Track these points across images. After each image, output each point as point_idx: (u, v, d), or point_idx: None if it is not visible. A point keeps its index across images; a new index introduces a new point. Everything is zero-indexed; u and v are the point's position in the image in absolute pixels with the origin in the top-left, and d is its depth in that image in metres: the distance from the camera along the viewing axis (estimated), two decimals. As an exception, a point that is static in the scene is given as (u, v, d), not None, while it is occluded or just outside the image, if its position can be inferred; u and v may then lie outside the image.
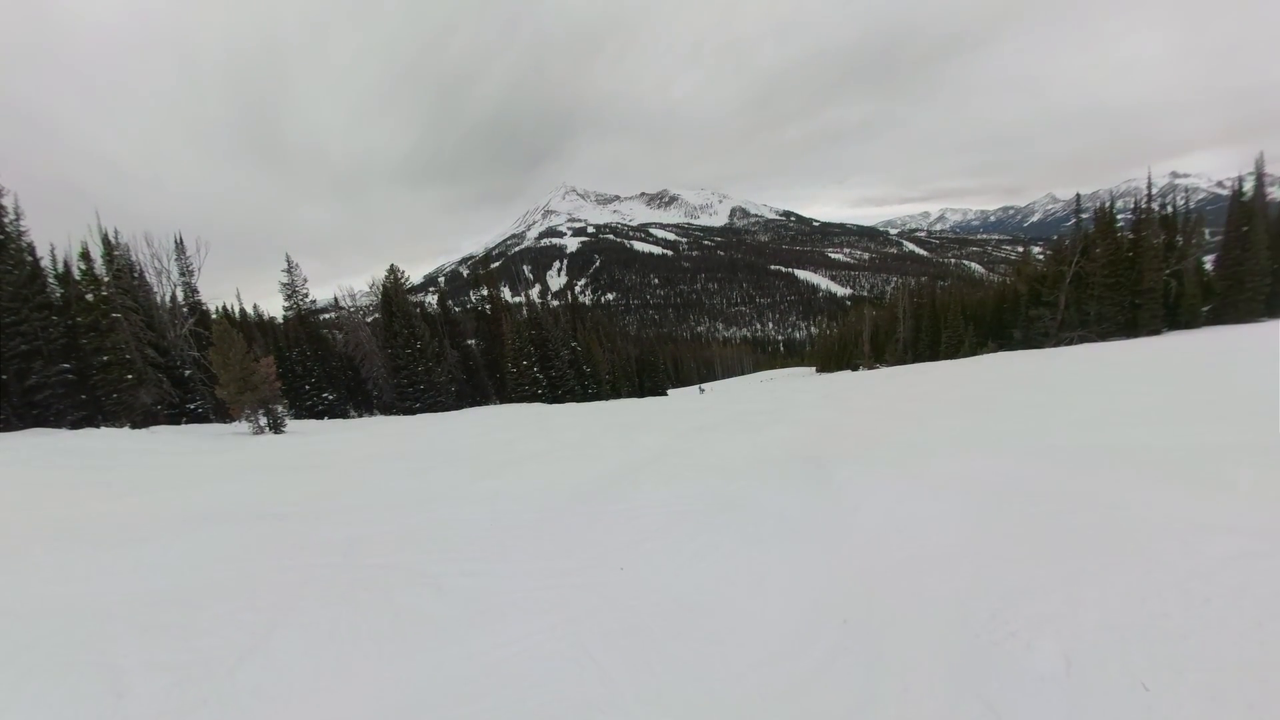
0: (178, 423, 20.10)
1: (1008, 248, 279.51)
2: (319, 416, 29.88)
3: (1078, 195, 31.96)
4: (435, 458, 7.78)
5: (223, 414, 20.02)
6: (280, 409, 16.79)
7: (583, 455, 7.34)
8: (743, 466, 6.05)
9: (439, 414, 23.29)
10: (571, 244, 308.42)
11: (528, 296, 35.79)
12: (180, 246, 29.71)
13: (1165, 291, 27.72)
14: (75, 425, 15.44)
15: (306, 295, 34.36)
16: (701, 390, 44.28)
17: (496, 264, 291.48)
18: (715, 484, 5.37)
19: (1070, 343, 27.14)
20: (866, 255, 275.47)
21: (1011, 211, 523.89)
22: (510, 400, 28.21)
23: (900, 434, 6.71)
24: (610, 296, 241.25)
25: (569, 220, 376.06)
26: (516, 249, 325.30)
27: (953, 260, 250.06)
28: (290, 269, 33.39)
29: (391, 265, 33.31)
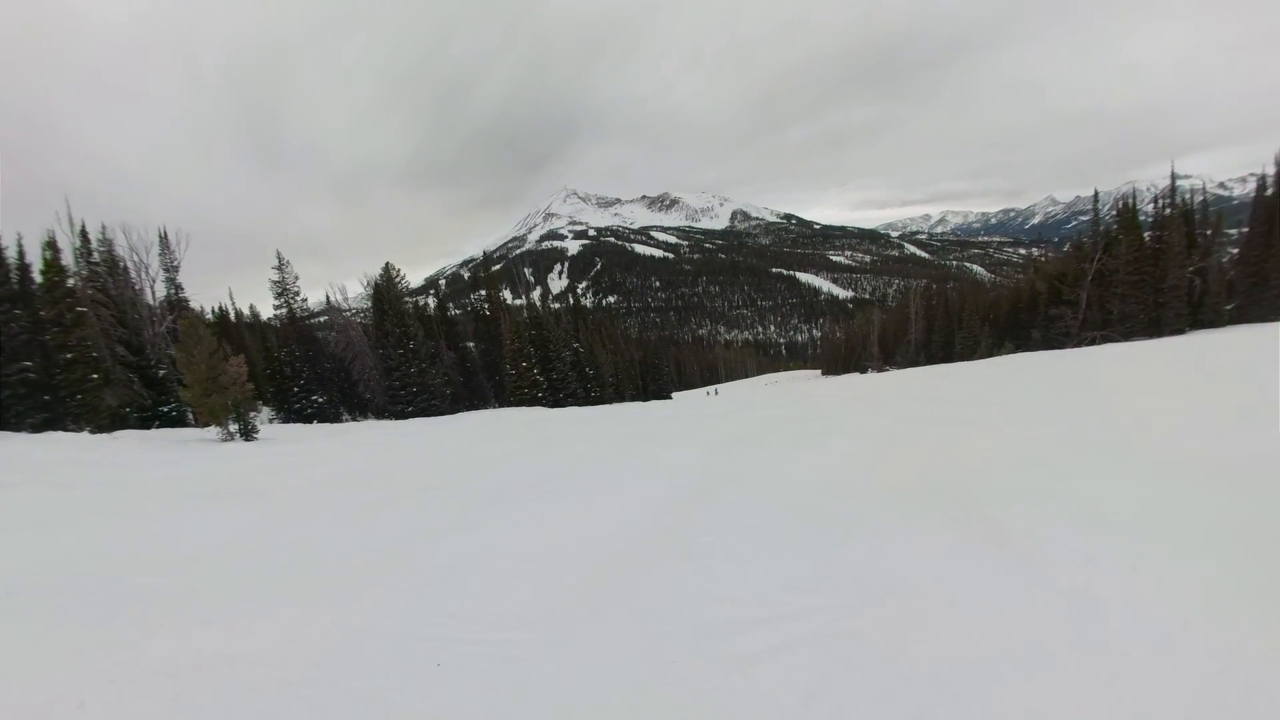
0: (149, 426, 18.95)
1: (1009, 249, 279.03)
2: (308, 420, 28.76)
3: (1095, 192, 30.84)
4: (403, 483, 6.24)
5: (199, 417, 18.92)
6: (254, 414, 15.63)
7: (596, 483, 5.68)
8: (837, 508, 4.28)
9: (431, 419, 22.20)
10: (573, 247, 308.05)
11: (528, 298, 34.70)
12: (164, 241, 28.87)
13: (1189, 289, 26.62)
14: (37, 429, 14.32)
15: (298, 294, 33.34)
16: (709, 393, 43.10)
17: (497, 266, 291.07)
18: (829, 547, 3.42)
19: (1093, 342, 25.99)
20: (868, 258, 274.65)
21: (1012, 214, 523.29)
22: (509, 404, 27.10)
23: (1000, 451, 5.29)
24: (611, 299, 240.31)
25: (570, 223, 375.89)
26: (518, 251, 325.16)
27: (954, 263, 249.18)
28: (281, 266, 32.35)
29: (387, 263, 32.26)
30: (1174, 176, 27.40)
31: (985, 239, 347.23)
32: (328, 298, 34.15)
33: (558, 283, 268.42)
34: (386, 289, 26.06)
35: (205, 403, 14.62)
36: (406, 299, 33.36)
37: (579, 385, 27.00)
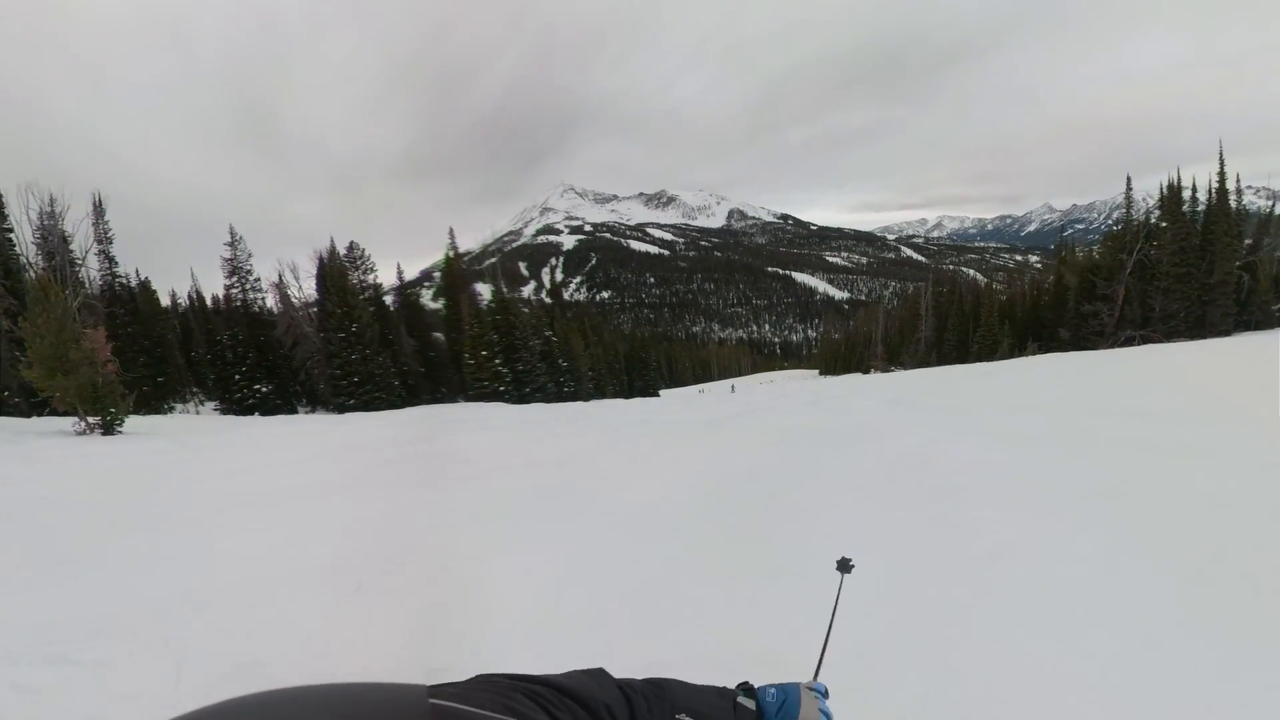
0: (37, 413, 15.78)
1: (1005, 255, 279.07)
2: (249, 411, 25.70)
3: (1128, 178, 27.97)
4: (135, 574, 2.89)
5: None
6: (124, 401, 12.48)
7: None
8: None
9: (368, 414, 19.03)
10: (568, 241, 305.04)
11: (498, 288, 31.14)
12: (98, 209, 26.57)
13: (1238, 286, 23.82)
14: None
15: (250, 272, 30.50)
16: (703, 391, 40.01)
17: (493, 259, 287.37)
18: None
19: (1130, 342, 23.10)
20: (864, 260, 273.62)
21: (1009, 220, 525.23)
22: (470, 398, 23.88)
23: None
24: (606, 294, 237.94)
25: (566, 218, 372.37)
26: (513, 245, 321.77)
27: (950, 267, 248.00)
28: (233, 243, 29.47)
29: (352, 242, 29.13)
30: (1222, 161, 24.51)
31: (981, 244, 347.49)
32: (280, 276, 30.85)
33: (552, 277, 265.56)
34: (330, 263, 22.70)
35: (50, 385, 11.56)
36: (370, 275, 30.17)
37: (549, 379, 23.74)
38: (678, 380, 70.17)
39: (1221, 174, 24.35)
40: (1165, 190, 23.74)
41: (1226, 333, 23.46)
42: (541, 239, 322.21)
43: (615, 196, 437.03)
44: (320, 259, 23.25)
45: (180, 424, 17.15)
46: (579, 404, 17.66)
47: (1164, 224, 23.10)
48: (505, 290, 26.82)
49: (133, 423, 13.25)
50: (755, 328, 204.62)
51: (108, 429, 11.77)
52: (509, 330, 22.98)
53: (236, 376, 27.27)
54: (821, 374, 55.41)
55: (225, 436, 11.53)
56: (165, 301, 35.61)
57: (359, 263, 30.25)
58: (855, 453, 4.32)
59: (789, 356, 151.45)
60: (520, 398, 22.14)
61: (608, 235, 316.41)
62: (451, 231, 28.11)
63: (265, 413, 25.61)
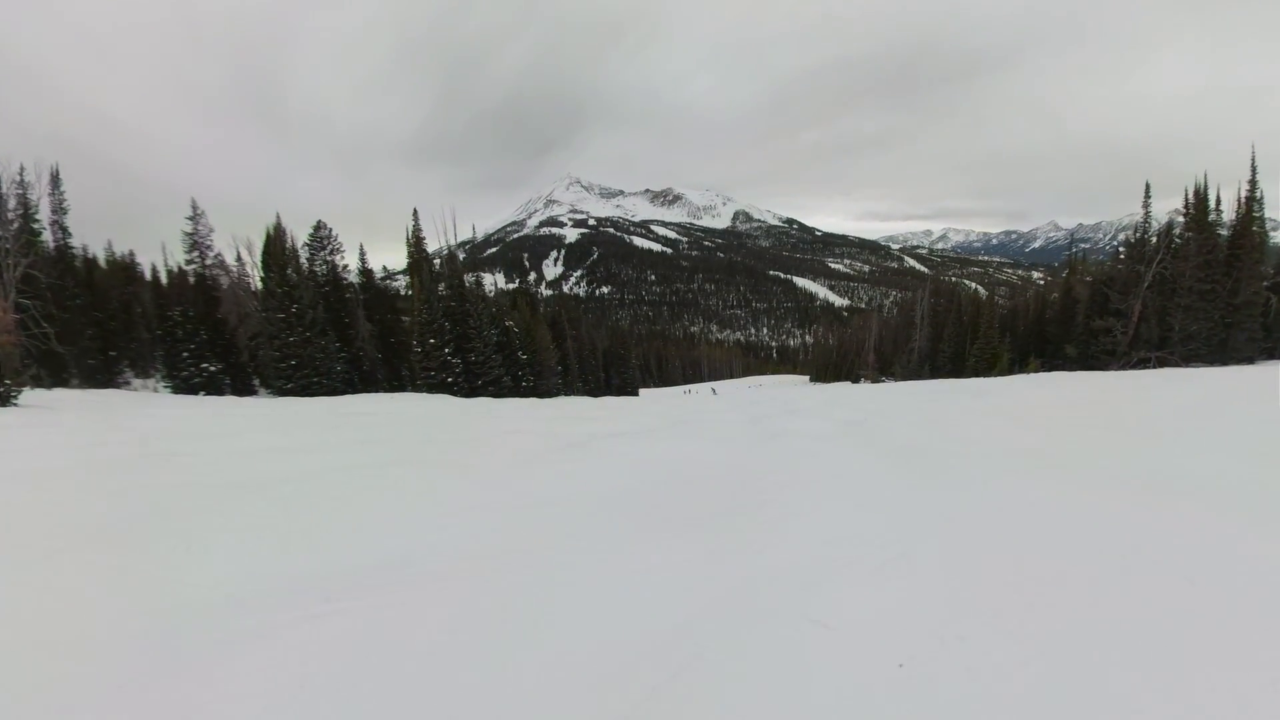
0: None
1: (1008, 270, 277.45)
2: (194, 391, 24.12)
3: (1147, 185, 25.91)
4: None
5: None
6: (32, 375, 11.62)
7: None
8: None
9: (296, 399, 17.15)
10: (571, 235, 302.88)
11: (450, 251, 28.46)
12: (56, 179, 25.73)
13: (1265, 309, 21.83)
14: None
15: (210, 247, 29.02)
16: (688, 391, 38.01)
17: (494, 249, 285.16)
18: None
19: (1147, 364, 21.14)
20: (866, 268, 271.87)
21: (1014, 236, 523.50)
22: (419, 388, 21.95)
23: None
24: (605, 290, 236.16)
25: (571, 211, 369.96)
26: (515, 236, 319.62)
27: (953, 279, 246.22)
28: (195, 216, 28.05)
29: (319, 221, 27.31)
30: (1254, 168, 22.47)
31: (985, 258, 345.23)
32: (239, 254, 29.23)
33: (553, 270, 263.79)
34: (275, 242, 20.73)
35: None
36: (337, 256, 28.35)
37: (505, 372, 21.73)
38: (667, 379, 68.19)
39: (1253, 182, 22.34)
40: (1191, 198, 21.72)
41: (1250, 359, 21.51)
42: (544, 230, 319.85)
43: (621, 192, 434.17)
44: (267, 233, 21.33)
45: (96, 400, 15.53)
46: (522, 400, 15.78)
47: (1189, 233, 21.11)
48: (468, 278, 24.77)
49: (46, 396, 12.78)
50: (753, 330, 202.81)
51: (3, 400, 10.69)
52: (463, 319, 20.96)
53: (185, 354, 25.75)
54: (812, 380, 53.57)
55: (108, 418, 9.95)
56: (149, 276, 34.53)
57: (325, 243, 28.51)
58: (653, 564, 1.95)
59: (785, 361, 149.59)
60: (471, 390, 20.18)
61: (611, 230, 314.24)
62: (415, 213, 26.10)
63: (212, 392, 24.09)
